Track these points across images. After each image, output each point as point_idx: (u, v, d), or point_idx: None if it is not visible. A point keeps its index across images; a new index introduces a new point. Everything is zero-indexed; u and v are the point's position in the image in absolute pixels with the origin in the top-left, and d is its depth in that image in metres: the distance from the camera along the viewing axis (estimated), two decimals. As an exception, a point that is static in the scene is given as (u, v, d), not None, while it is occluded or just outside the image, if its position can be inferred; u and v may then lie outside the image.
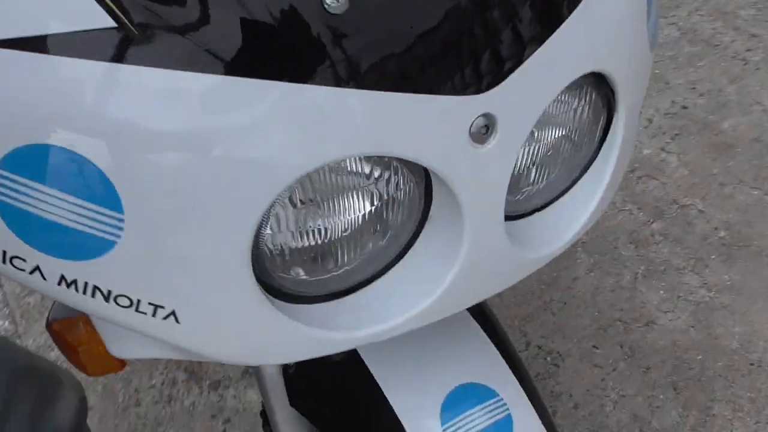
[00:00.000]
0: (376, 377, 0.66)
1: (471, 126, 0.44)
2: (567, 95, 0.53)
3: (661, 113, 1.95)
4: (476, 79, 0.42)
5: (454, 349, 0.68)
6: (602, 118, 0.57)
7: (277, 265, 0.48)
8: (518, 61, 0.44)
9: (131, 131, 0.39)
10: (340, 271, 0.51)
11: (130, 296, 0.45)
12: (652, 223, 1.69)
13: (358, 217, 0.48)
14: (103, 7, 0.37)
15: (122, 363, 0.68)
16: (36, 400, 0.76)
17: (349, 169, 0.46)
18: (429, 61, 0.41)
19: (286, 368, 0.75)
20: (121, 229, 0.42)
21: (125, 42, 0.37)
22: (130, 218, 0.41)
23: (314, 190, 0.46)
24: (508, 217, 0.59)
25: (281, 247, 0.47)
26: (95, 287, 0.45)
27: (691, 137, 1.88)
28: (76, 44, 0.37)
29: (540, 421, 0.65)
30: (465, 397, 0.65)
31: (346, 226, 0.49)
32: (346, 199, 0.47)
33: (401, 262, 0.53)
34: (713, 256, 1.61)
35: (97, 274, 0.44)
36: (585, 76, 0.52)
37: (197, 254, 0.43)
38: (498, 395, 0.65)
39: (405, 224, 0.51)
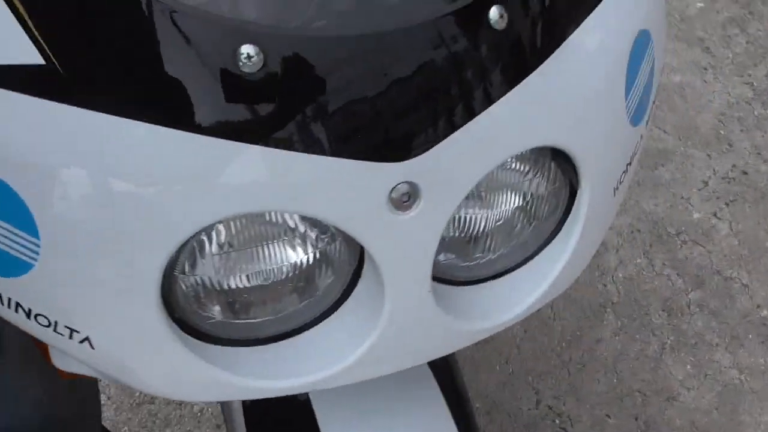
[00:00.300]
0: (320, 426, 0.65)
1: (391, 192, 0.43)
2: (520, 164, 0.51)
3: (718, 176, 1.86)
4: (398, 147, 0.42)
5: (404, 408, 0.67)
6: (564, 192, 0.55)
7: (192, 305, 0.48)
8: (448, 131, 0.43)
9: (43, 163, 0.40)
10: (259, 320, 0.50)
11: (48, 317, 0.46)
12: (690, 292, 1.61)
13: (280, 269, 0.48)
14: (34, 44, 0.39)
15: None
16: (45, 376, 0.79)
17: (274, 221, 0.46)
18: (346, 124, 0.41)
19: (245, 403, 0.75)
20: (37, 253, 0.43)
21: (46, 77, 0.39)
22: (46, 244, 0.42)
23: (235, 237, 0.46)
24: (460, 283, 0.57)
25: (197, 288, 0.47)
26: (17, 303, 0.46)
27: (747, 205, 1.78)
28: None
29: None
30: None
31: (268, 278, 0.49)
32: (268, 250, 0.47)
33: (328, 318, 0.52)
34: (751, 336, 1.51)
35: (17, 292, 0.46)
36: (539, 149, 0.50)
37: (107, 286, 0.44)
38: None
39: (333, 284, 0.51)
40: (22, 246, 0.43)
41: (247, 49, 0.38)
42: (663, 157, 1.90)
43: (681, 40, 2.26)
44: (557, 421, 1.43)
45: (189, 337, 0.49)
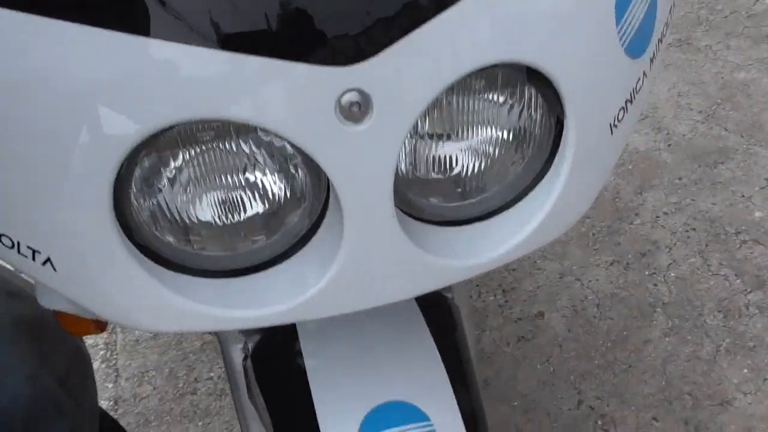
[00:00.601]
0: (309, 376, 0.64)
1: (339, 101, 0.41)
2: (494, 94, 0.49)
3: (785, 174, 1.74)
4: (343, 50, 0.40)
5: (395, 360, 0.64)
6: (551, 128, 0.51)
7: (150, 228, 0.47)
8: (398, 35, 0.40)
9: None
10: (223, 254, 0.49)
11: (11, 237, 0.47)
12: (748, 293, 1.50)
13: (241, 200, 0.47)
14: None
15: (101, 327, 0.70)
16: (37, 352, 0.80)
17: (231, 148, 0.45)
18: (292, 25, 0.39)
19: (244, 359, 0.74)
20: (-8, 167, 0.43)
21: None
22: (1, 154, 0.43)
23: (190, 163, 0.45)
24: (444, 223, 0.55)
25: (155, 212, 0.47)
26: None
27: (817, 205, 1.65)
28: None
29: (469, 457, 0.59)
30: (389, 415, 0.60)
31: (231, 209, 0.48)
32: (227, 178, 0.46)
33: (296, 254, 0.51)
34: (817, 341, 1.39)
35: None
36: (514, 72, 0.48)
37: (61, 199, 0.44)
38: (428, 420, 0.60)
39: (301, 219, 0.49)
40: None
41: None
42: (723, 155, 1.80)
43: (747, 37, 2.14)
44: (599, 423, 1.35)
45: (148, 260, 0.48)
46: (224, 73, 0.39)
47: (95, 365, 1.78)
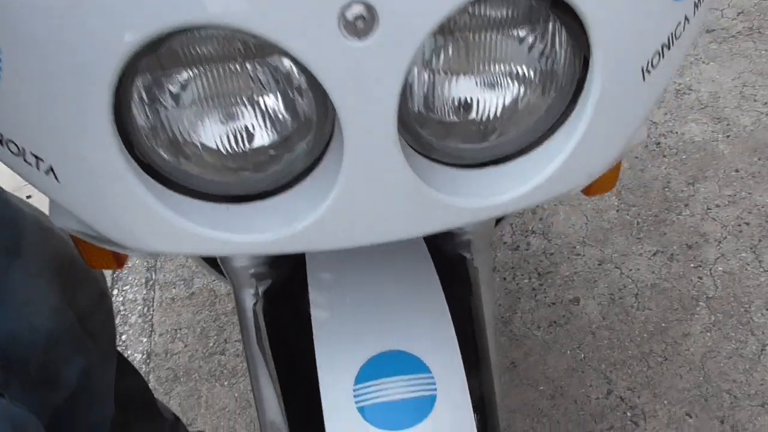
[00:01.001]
0: (313, 323, 0.62)
1: (343, 13, 0.39)
2: (517, 29, 0.46)
3: None
4: None
5: (402, 313, 0.62)
6: (577, 69, 0.48)
7: (151, 143, 0.47)
8: None
9: None
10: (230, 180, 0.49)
11: (17, 143, 0.47)
12: (802, 292, 1.42)
13: (244, 125, 0.46)
14: None
15: (120, 262, 0.71)
16: (62, 287, 0.81)
17: (234, 69, 0.44)
18: None
19: (255, 304, 0.74)
20: (0, 62, 0.43)
21: None
22: (8, 53, 0.43)
23: (193, 83, 0.44)
24: (460, 165, 0.52)
25: (157, 128, 0.46)
26: None
27: None
28: None
29: (471, 414, 0.57)
30: (389, 363, 0.58)
31: (235, 133, 0.47)
32: (231, 100, 0.45)
33: (301, 182, 0.49)
34: None
35: None
36: (541, 3, 0.45)
37: (62, 104, 0.43)
38: (429, 372, 0.58)
39: (309, 147, 0.48)
40: (-13, 57, 0.43)
41: None
42: (786, 149, 1.70)
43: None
44: (629, 414, 1.31)
45: (148, 176, 0.47)
46: None
47: (133, 319, 1.82)
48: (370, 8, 0.39)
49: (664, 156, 1.75)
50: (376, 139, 0.43)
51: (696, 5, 0.53)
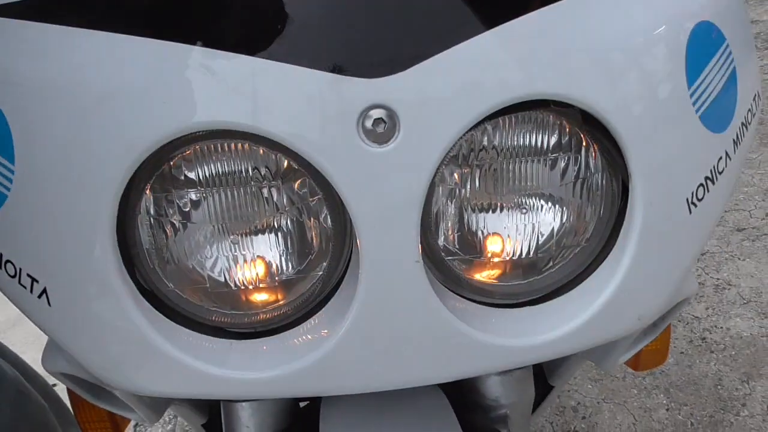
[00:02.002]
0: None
1: (362, 118, 0.37)
2: (547, 154, 0.43)
3: None
4: (371, 60, 0.37)
5: None
6: (614, 193, 0.45)
7: (153, 268, 0.43)
8: (434, 50, 0.37)
9: (23, 79, 0.40)
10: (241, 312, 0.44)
11: (15, 263, 0.44)
12: None
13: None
14: None
15: (117, 428, 0.64)
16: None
17: (251, 191, 0.42)
18: (310, 28, 0.37)
19: None
20: (11, 181, 0.42)
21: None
22: (20, 169, 0.41)
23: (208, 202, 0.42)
24: (499, 305, 0.47)
25: (162, 250, 0.43)
26: None
27: None
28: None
29: None
30: None
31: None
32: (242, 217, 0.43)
33: (318, 312, 0.45)
34: None
35: None
36: (575, 124, 0.43)
37: (64, 222, 0.41)
38: None
39: (320, 279, 0.44)
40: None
41: None
42: None
43: None
44: None
45: (148, 305, 0.43)
46: (234, 77, 0.37)
47: None
48: (390, 112, 0.37)
49: (712, 352, 1.64)
50: (397, 256, 0.39)
51: (735, 143, 0.51)
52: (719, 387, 1.55)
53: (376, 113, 0.37)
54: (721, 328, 1.72)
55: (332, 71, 0.37)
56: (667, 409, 1.51)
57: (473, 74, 0.38)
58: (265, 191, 0.43)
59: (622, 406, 1.54)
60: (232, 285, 0.45)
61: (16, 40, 0.42)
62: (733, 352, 1.63)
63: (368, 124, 0.37)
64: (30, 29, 0.40)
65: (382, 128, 0.37)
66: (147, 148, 0.39)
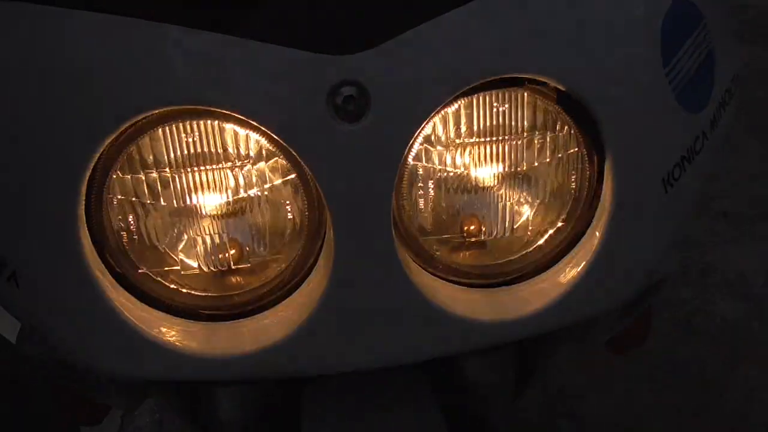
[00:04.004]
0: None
1: (333, 95, 0.37)
2: (523, 136, 0.43)
3: None
4: (341, 35, 0.36)
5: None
6: (590, 178, 0.45)
7: (124, 254, 0.43)
8: (405, 25, 0.37)
9: None
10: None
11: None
12: None
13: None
14: None
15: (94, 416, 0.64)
16: None
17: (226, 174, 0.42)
18: (283, 3, 0.36)
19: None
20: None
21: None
22: None
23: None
24: (474, 285, 0.47)
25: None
26: None
27: None
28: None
29: None
30: None
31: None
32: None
33: (293, 293, 0.44)
34: None
35: None
36: (550, 102, 0.42)
37: (31, 197, 0.40)
38: None
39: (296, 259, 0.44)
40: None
41: None
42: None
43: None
44: None
45: (119, 286, 0.43)
46: (201, 54, 0.37)
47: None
48: (361, 89, 0.37)
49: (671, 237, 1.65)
50: (370, 235, 0.39)
51: (713, 124, 0.51)
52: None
53: (347, 90, 0.37)
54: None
55: (301, 48, 0.36)
56: (650, 391, 1.52)
57: (447, 50, 0.38)
58: (236, 171, 0.42)
59: (606, 391, 1.55)
60: (205, 268, 0.44)
61: None
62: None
63: (338, 101, 0.37)
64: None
65: (353, 106, 0.37)
66: (112, 128, 0.38)
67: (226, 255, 0.44)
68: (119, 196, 0.42)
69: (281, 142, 0.38)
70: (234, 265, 0.44)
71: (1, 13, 0.38)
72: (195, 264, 0.44)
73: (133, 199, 0.42)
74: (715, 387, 1.51)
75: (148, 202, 0.42)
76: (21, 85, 0.39)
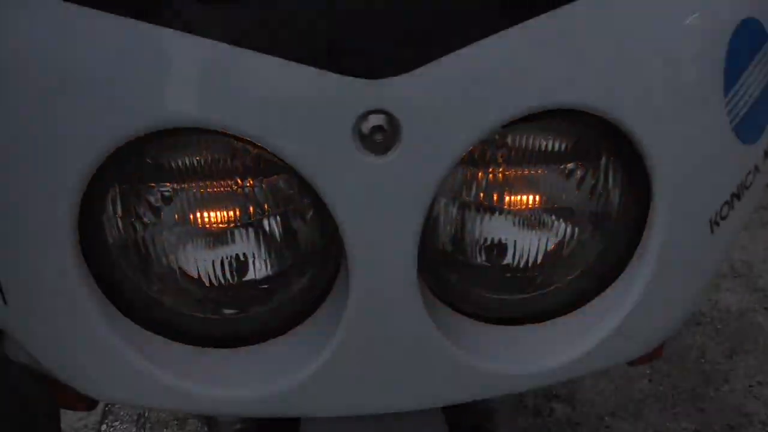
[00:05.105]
0: None
1: (359, 123, 0.33)
2: (564, 158, 0.39)
3: None
4: (372, 59, 0.32)
5: None
6: (633, 218, 0.41)
7: (119, 271, 0.39)
8: (441, 51, 0.32)
9: None
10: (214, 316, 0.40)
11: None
12: None
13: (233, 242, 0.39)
14: None
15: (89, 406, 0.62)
16: None
17: (230, 187, 0.38)
18: (303, 17, 0.32)
19: None
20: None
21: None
22: None
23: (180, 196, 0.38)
24: (492, 321, 0.44)
25: (125, 238, 0.39)
26: None
27: None
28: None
29: None
30: None
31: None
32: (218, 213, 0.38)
33: (301, 325, 0.41)
34: None
35: None
36: (595, 132, 0.38)
37: (22, 207, 0.37)
38: None
39: (309, 283, 0.40)
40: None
41: None
42: (831, 325, 1.58)
43: None
44: None
45: (113, 308, 0.39)
46: (217, 68, 0.32)
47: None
48: (391, 119, 0.33)
49: (698, 324, 1.64)
50: (390, 278, 0.35)
51: (766, 153, 0.46)
52: (702, 360, 1.55)
53: (375, 119, 0.33)
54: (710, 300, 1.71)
55: (326, 68, 0.32)
56: (650, 380, 1.52)
57: (486, 79, 0.33)
58: (245, 188, 0.38)
59: (603, 374, 1.54)
60: (207, 287, 0.41)
61: None
62: (720, 326, 1.63)
63: (365, 130, 0.33)
64: None
65: (381, 136, 0.33)
66: (114, 142, 0.34)
67: (231, 275, 0.41)
68: (117, 212, 0.38)
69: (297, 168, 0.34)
70: (238, 287, 0.41)
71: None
72: (196, 282, 0.41)
73: (132, 215, 0.38)
74: (714, 377, 1.50)
75: (149, 218, 0.39)
76: (12, 87, 0.35)
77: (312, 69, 0.32)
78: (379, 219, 0.34)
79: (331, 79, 0.32)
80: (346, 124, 0.33)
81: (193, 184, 0.38)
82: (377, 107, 0.32)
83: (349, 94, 0.32)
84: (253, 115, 0.33)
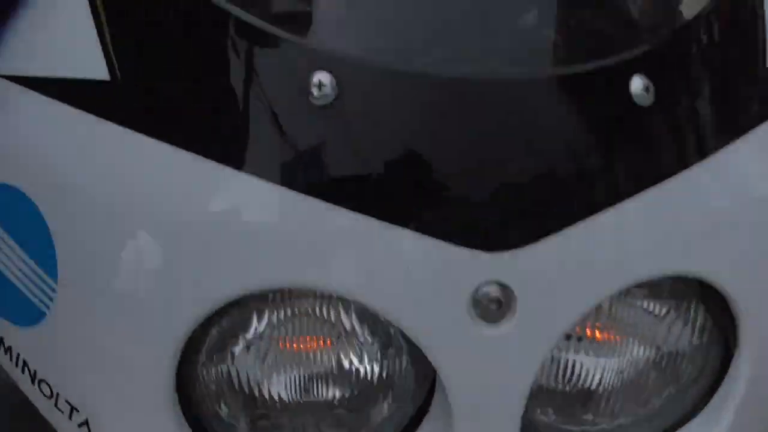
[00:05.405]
0: None
1: (475, 293, 0.33)
2: (655, 303, 0.39)
3: None
4: (491, 233, 0.33)
5: None
6: (716, 355, 0.41)
7: (214, 405, 0.39)
8: (557, 226, 0.33)
9: (85, 186, 0.36)
10: None
11: (51, 386, 0.40)
12: None
13: (325, 379, 0.39)
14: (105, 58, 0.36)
15: None
16: None
17: (325, 316, 0.38)
18: (427, 189, 0.33)
19: None
20: (51, 299, 0.38)
21: (107, 94, 0.36)
22: (62, 285, 0.37)
23: (276, 329, 0.38)
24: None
25: (221, 383, 0.39)
26: (25, 362, 0.41)
27: None
28: (69, 91, 0.36)
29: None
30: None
31: (309, 389, 0.39)
32: (313, 353, 0.38)
33: None
34: None
35: (27, 346, 0.40)
36: (683, 284, 0.39)
37: (115, 353, 0.37)
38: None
39: (392, 417, 0.40)
40: (39, 288, 0.38)
41: (320, 76, 0.32)
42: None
43: None
44: None
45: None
46: (337, 232, 0.33)
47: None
48: (506, 290, 0.33)
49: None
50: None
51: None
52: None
53: (491, 290, 0.33)
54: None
55: (448, 240, 0.32)
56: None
57: (602, 251, 0.34)
58: (343, 319, 0.39)
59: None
60: (293, 403, 0.41)
61: (65, 130, 0.37)
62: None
63: (481, 299, 0.33)
64: (88, 125, 0.36)
65: (495, 307, 0.33)
66: (229, 298, 0.34)
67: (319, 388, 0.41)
68: (214, 358, 0.38)
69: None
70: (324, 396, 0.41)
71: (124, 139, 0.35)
72: (285, 396, 0.41)
73: (227, 358, 0.38)
74: None
75: (241, 350, 0.39)
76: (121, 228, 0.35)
77: (432, 240, 0.32)
78: (486, 385, 0.35)
79: (452, 250, 0.32)
80: (463, 294, 0.33)
81: (289, 314, 0.38)
82: (493, 279, 0.33)
83: (469, 266, 0.33)
84: (369, 283, 0.33)
